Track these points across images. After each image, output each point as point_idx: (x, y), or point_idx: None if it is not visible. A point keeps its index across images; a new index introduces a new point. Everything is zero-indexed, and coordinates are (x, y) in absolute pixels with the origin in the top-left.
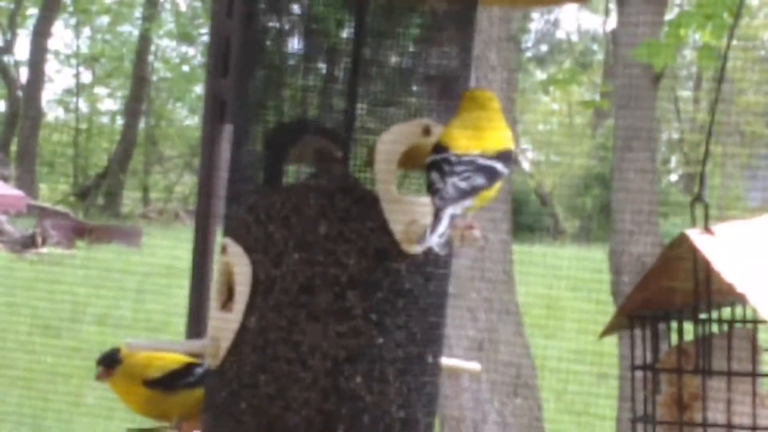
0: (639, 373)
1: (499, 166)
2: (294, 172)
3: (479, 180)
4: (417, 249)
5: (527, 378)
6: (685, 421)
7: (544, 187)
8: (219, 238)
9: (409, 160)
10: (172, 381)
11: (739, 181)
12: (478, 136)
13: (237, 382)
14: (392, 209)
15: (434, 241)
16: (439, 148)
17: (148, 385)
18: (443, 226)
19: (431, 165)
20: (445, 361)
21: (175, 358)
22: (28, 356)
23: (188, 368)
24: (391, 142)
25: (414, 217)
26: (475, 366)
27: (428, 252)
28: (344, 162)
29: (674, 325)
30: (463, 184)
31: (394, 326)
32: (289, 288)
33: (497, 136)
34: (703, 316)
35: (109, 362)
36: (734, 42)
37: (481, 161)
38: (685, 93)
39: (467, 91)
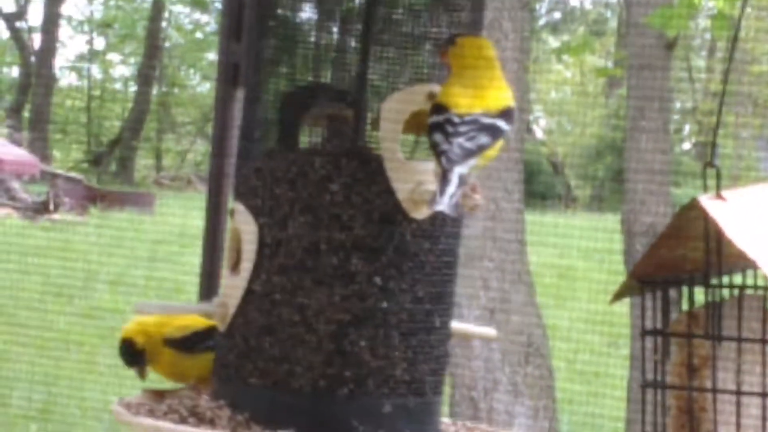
0: (649, 339)
1: (501, 124)
2: (305, 136)
3: (484, 139)
4: (424, 212)
5: (539, 345)
6: (695, 386)
7: (556, 155)
8: (231, 200)
9: (414, 125)
10: (193, 343)
11: (752, 150)
12: (479, 95)
13: (244, 344)
14: (397, 173)
15: (444, 202)
16: (439, 108)
17: (167, 344)
18: (453, 186)
19: (433, 126)
20: (461, 326)
21: (196, 320)
22: (41, 321)
23: (209, 331)
24: (396, 105)
25: (419, 180)
26: (490, 331)
27: (434, 215)
28: (354, 126)
29: (685, 290)
30: (468, 144)
31: (399, 290)
32: (294, 251)
33: (498, 93)
34: (713, 281)
35: (136, 361)
36: (748, 10)
37: (485, 120)
38: (699, 61)
39: (461, 38)
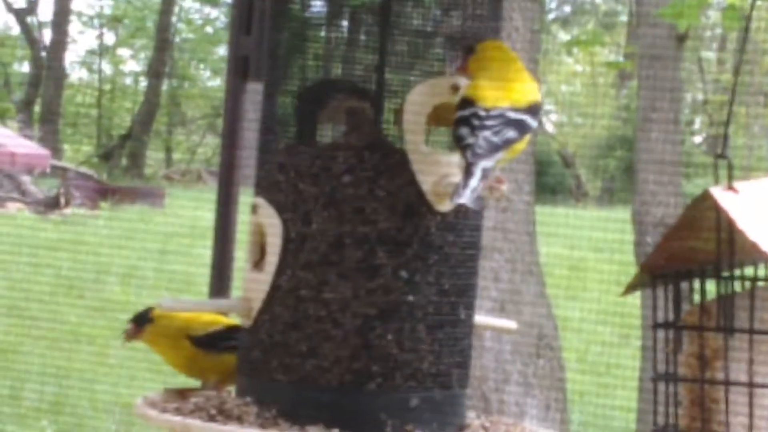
0: (661, 332)
1: (528, 118)
2: (325, 131)
3: (510, 133)
4: (447, 205)
5: (550, 339)
6: (707, 378)
7: (567, 149)
8: (242, 191)
9: (437, 117)
10: (215, 341)
11: (763, 141)
12: (506, 88)
13: (269, 340)
14: (421, 165)
15: (467, 195)
16: (466, 102)
17: (191, 340)
18: (476, 180)
19: (459, 120)
20: (480, 318)
21: (218, 319)
22: (52, 315)
23: (231, 330)
24: (420, 97)
25: (443, 173)
26: (510, 323)
27: (458, 207)
28: (374, 120)
29: (696, 283)
30: (494, 138)
31: (425, 283)
32: (318, 246)
33: (525, 88)
34: (725, 273)
35: (139, 321)
36: (759, 2)
37: (512, 114)
38: (710, 54)
39: (480, 43)
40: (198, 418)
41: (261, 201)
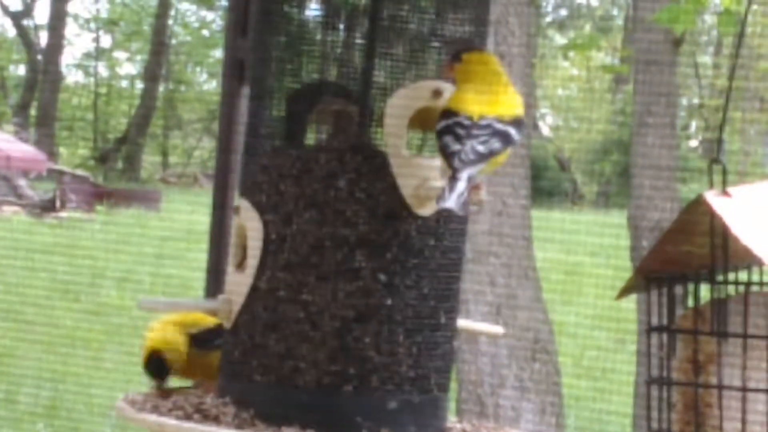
0: (655, 336)
1: (513, 132)
2: (311, 133)
3: (496, 144)
4: (429, 209)
5: (545, 343)
6: (701, 382)
7: (563, 152)
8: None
9: (419, 122)
10: (205, 340)
11: (758, 146)
12: (491, 101)
13: (249, 341)
14: (402, 170)
15: (453, 200)
16: (449, 113)
17: (190, 339)
18: (461, 187)
19: (442, 130)
20: (468, 323)
21: (205, 318)
22: (47, 319)
23: (218, 329)
24: (401, 101)
25: (424, 177)
26: (497, 329)
27: (440, 212)
28: (359, 124)
29: (691, 287)
30: (481, 148)
31: (404, 286)
32: (299, 248)
33: (510, 101)
34: (719, 278)
35: (161, 375)
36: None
37: (498, 126)
38: (706, 58)
39: (467, 53)
40: (175, 418)
41: (243, 203)
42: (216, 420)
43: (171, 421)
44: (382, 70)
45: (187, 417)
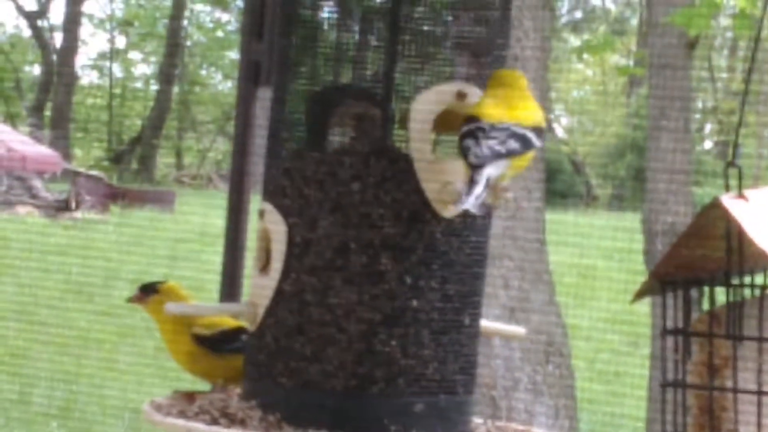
0: (670, 339)
1: (532, 135)
2: (334, 136)
3: (514, 144)
4: (452, 211)
5: (559, 345)
6: (716, 386)
7: (577, 154)
8: (253, 197)
9: (443, 123)
10: (220, 343)
11: None
12: (511, 108)
13: (274, 344)
14: (426, 172)
15: (471, 202)
16: (471, 119)
17: (195, 340)
18: (480, 187)
19: (464, 134)
20: (488, 324)
21: (224, 320)
22: (61, 320)
23: (237, 332)
24: (425, 104)
25: (448, 180)
26: (519, 330)
27: (464, 214)
28: (382, 126)
29: (706, 290)
30: (498, 147)
31: (429, 289)
32: (324, 251)
33: (530, 111)
34: (735, 281)
35: (146, 289)
36: None
37: (516, 129)
38: (720, 60)
39: (495, 71)
40: (201, 422)
41: (267, 206)
42: (243, 424)
43: (200, 426)
44: (404, 73)
45: (214, 421)
